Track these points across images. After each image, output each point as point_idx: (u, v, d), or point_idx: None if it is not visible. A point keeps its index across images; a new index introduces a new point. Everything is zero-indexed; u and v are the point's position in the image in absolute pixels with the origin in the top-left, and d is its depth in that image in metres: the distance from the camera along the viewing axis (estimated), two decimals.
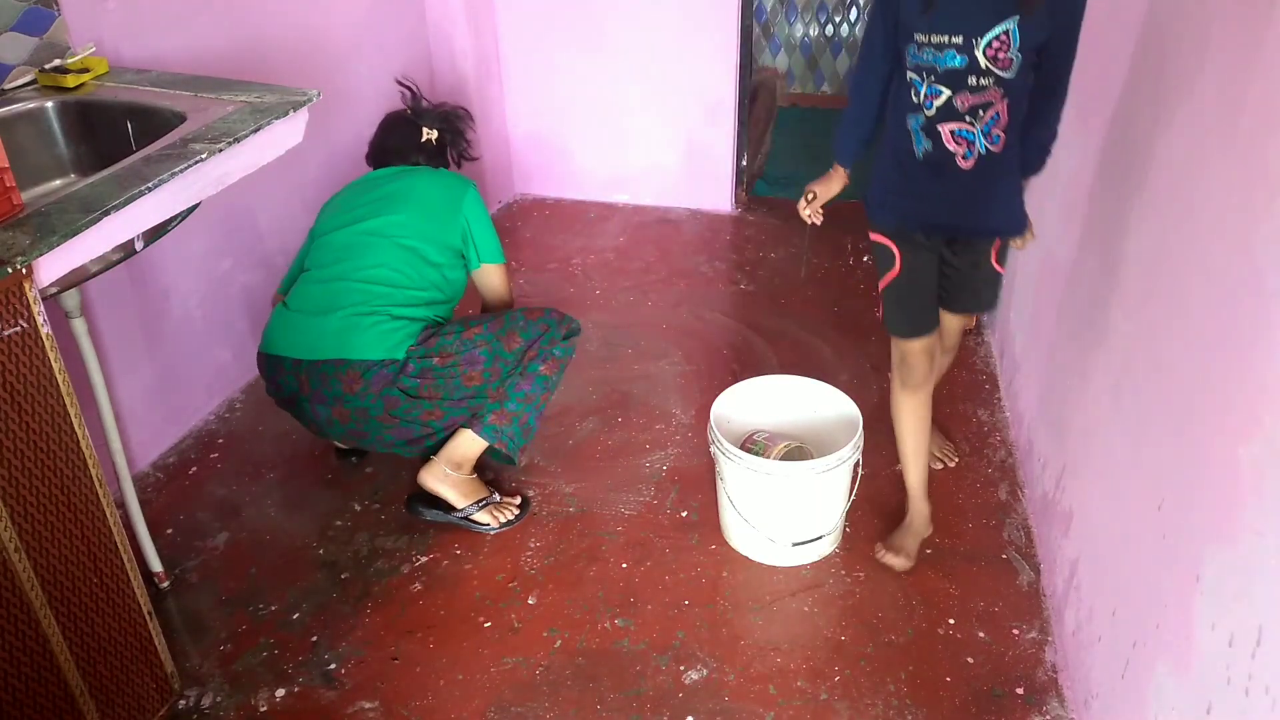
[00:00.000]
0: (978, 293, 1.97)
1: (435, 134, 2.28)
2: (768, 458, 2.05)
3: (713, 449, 2.05)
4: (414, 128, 2.28)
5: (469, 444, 2.11)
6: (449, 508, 2.16)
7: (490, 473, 2.30)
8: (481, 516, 2.16)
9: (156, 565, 2.01)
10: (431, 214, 2.14)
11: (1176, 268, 1.45)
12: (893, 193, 1.86)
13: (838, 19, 4.74)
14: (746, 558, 2.09)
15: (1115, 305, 1.72)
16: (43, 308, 1.32)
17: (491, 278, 2.24)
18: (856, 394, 2.17)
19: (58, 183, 1.81)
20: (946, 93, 1.68)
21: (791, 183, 4.00)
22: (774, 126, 4.64)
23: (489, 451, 2.16)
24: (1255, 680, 1.08)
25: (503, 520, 2.18)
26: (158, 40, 2.18)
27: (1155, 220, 1.57)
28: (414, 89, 2.32)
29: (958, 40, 1.63)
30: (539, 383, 2.11)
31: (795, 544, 2.03)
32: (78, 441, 1.42)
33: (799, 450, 2.11)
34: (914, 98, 1.72)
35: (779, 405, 2.24)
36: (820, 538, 2.05)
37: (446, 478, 2.13)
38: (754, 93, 3.74)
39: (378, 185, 2.19)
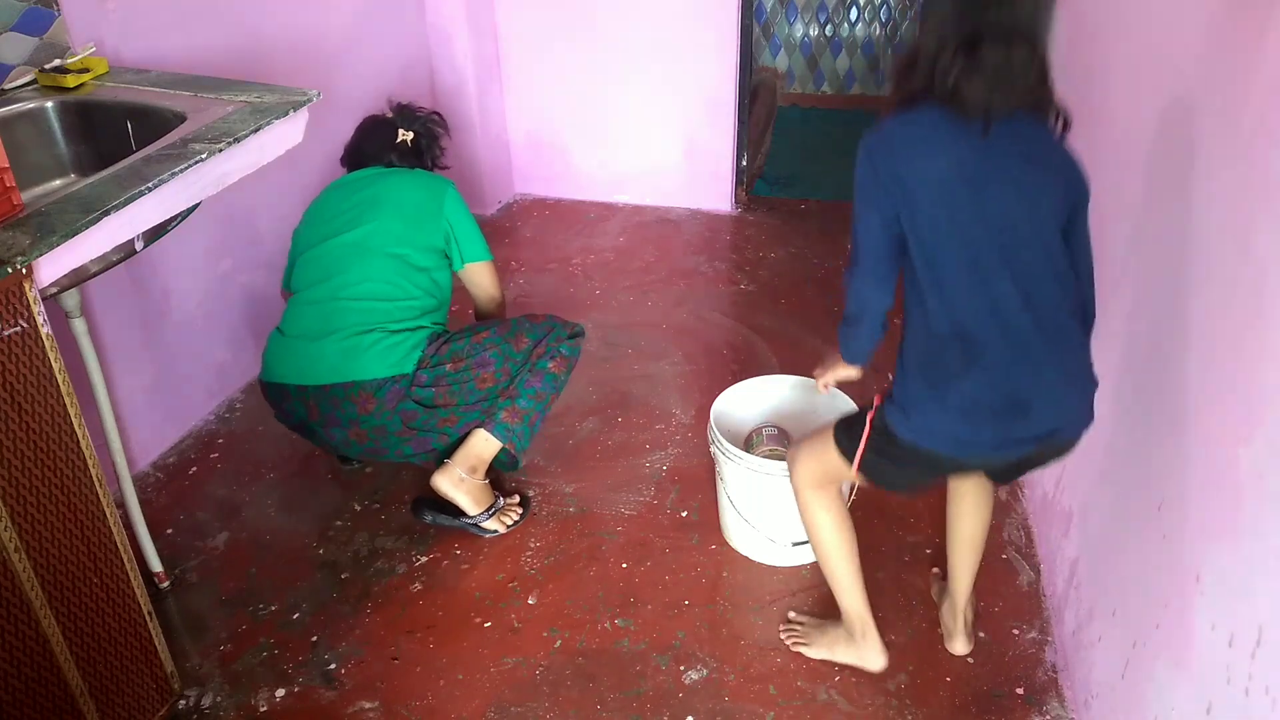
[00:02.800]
0: None
1: (411, 135, 2.27)
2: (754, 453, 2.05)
3: (713, 449, 2.05)
4: (390, 129, 2.27)
5: (483, 445, 2.10)
6: (456, 513, 2.15)
7: (489, 474, 2.30)
8: (491, 524, 2.16)
9: (156, 565, 2.01)
10: (412, 218, 2.12)
11: (1176, 267, 1.45)
12: None
13: (838, 19, 4.74)
14: (747, 558, 2.09)
15: (1115, 305, 1.72)
16: (43, 308, 1.32)
17: (479, 276, 2.24)
18: (857, 394, 2.17)
19: (58, 183, 1.81)
20: None
21: (792, 183, 4.00)
22: (774, 126, 4.64)
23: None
24: (1255, 680, 1.08)
25: (509, 525, 2.18)
26: (158, 40, 2.18)
27: (1155, 219, 1.57)
28: (404, 104, 2.34)
29: None
30: (548, 380, 2.11)
31: (795, 544, 2.03)
32: (78, 441, 1.42)
33: (777, 454, 2.10)
34: None
35: (779, 405, 2.24)
36: None
37: (462, 483, 2.11)
38: (754, 93, 3.73)
39: (356, 190, 2.17)
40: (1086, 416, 1.48)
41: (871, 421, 1.54)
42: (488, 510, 2.15)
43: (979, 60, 1.32)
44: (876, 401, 1.55)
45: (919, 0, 1.61)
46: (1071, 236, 1.43)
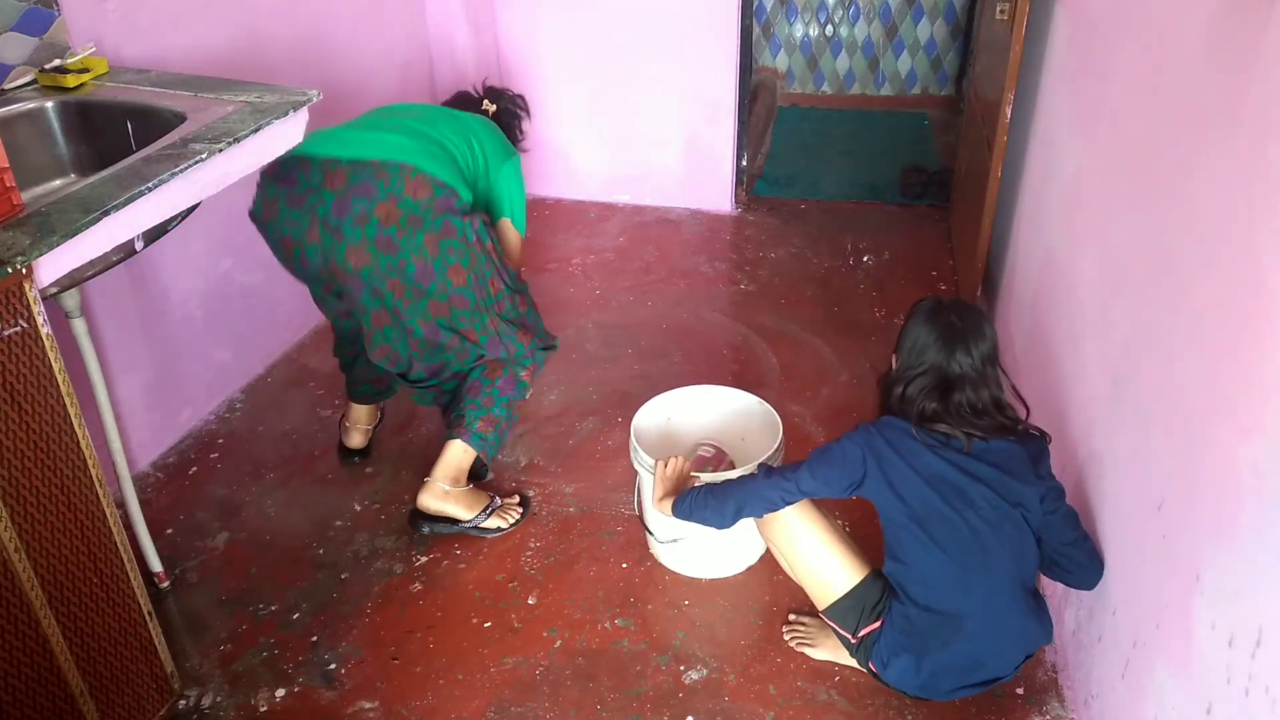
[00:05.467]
0: None
1: (494, 109, 2.28)
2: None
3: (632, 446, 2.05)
4: (476, 100, 2.30)
5: (460, 455, 2.09)
6: (453, 521, 2.14)
7: (491, 472, 2.30)
8: (491, 523, 2.15)
9: (156, 565, 2.01)
10: (465, 141, 2.05)
11: (1176, 267, 1.45)
12: None
13: (837, 19, 4.74)
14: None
15: (1115, 305, 1.72)
16: (43, 308, 1.32)
17: (508, 233, 2.16)
18: (856, 394, 2.17)
19: (58, 183, 1.81)
20: None
21: (792, 183, 4.00)
22: (774, 126, 4.64)
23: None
24: (1255, 680, 1.08)
25: (511, 522, 2.17)
26: (158, 40, 2.18)
27: (1155, 220, 1.57)
28: (494, 85, 2.38)
29: None
30: (520, 388, 2.11)
31: (663, 541, 2.04)
32: (78, 441, 1.42)
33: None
34: None
35: (714, 416, 2.23)
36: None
37: (448, 495, 2.10)
38: (754, 93, 3.74)
39: (406, 109, 2.11)
40: (1023, 660, 1.68)
41: (863, 638, 1.70)
42: (483, 512, 2.14)
43: (950, 406, 1.60)
44: (876, 625, 1.67)
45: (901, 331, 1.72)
46: (1054, 517, 1.64)
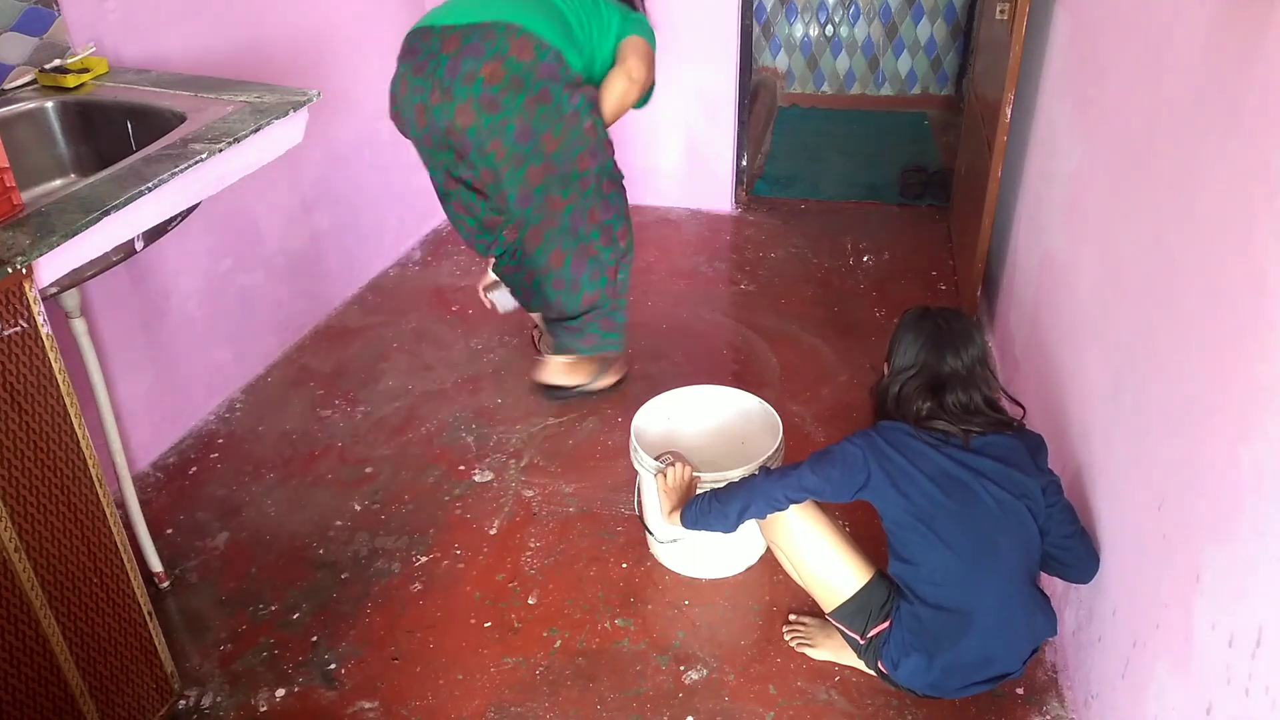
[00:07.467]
0: None
1: None
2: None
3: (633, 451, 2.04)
4: None
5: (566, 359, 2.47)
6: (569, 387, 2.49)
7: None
8: (600, 384, 2.52)
9: (156, 565, 2.01)
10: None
11: (1177, 267, 1.45)
12: None
13: (838, 19, 4.74)
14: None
15: (1115, 305, 1.72)
16: (43, 308, 1.33)
17: (638, 49, 2.17)
18: (857, 394, 2.17)
19: (58, 183, 1.81)
20: None
21: (792, 183, 4.00)
22: (774, 126, 4.64)
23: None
24: (1255, 680, 1.08)
25: (618, 378, 2.56)
26: (158, 40, 2.18)
27: (1155, 220, 1.57)
28: None
29: None
30: (617, 281, 2.34)
31: (667, 540, 2.03)
32: (78, 441, 1.42)
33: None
34: None
35: (705, 416, 2.23)
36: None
37: (563, 367, 2.44)
38: (754, 93, 3.74)
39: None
40: (1030, 654, 1.67)
41: (871, 639, 1.70)
42: (596, 376, 2.50)
43: (945, 405, 1.62)
44: (885, 626, 1.67)
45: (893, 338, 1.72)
46: (1054, 510, 1.64)
